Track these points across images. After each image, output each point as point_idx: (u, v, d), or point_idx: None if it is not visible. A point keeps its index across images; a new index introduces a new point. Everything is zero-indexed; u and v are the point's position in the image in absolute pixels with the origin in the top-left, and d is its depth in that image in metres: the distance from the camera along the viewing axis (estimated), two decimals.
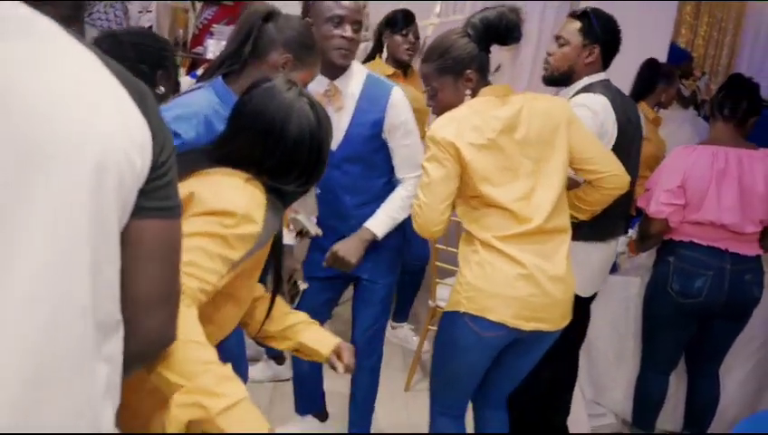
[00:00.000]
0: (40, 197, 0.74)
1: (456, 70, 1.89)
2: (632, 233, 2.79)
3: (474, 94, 1.91)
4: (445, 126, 1.84)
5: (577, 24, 2.31)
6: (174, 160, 0.91)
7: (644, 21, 3.92)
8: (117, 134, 0.81)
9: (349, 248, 2.14)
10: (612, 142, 2.27)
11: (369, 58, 3.62)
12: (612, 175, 1.97)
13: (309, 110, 1.36)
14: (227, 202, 1.24)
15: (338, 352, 1.56)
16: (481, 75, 1.92)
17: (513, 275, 1.83)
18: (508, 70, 4.98)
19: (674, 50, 4.78)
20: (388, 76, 3.29)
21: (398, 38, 3.40)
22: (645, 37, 3.80)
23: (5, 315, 0.73)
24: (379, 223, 2.19)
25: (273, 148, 1.33)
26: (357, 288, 2.38)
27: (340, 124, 2.11)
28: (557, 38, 2.34)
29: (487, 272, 1.85)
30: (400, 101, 2.17)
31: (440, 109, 1.93)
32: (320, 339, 1.57)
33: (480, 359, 1.95)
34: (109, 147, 0.79)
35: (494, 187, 1.84)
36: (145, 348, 0.93)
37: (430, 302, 3.16)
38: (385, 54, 3.49)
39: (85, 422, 0.81)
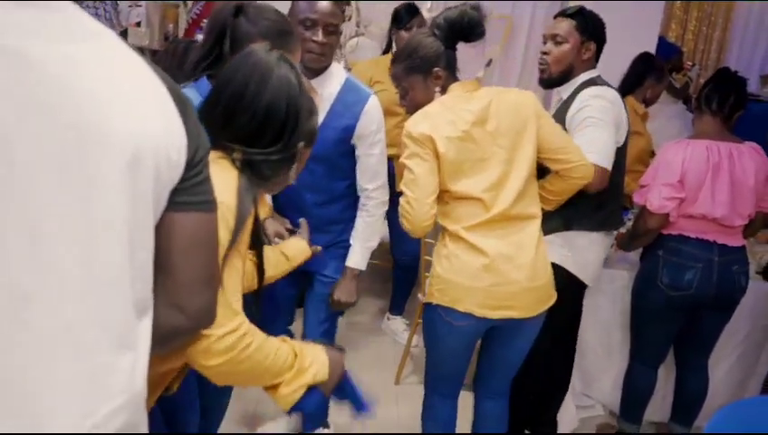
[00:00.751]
0: (85, 177, 0.81)
1: (425, 68, 1.94)
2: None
3: (443, 91, 1.96)
4: (420, 122, 1.88)
5: (572, 23, 2.34)
6: (208, 161, 1.01)
7: (632, 16, 3.95)
8: (156, 131, 0.88)
9: (345, 292, 2.22)
10: (626, 134, 2.32)
11: (384, 54, 3.69)
12: (580, 165, 2.02)
13: (289, 72, 1.32)
14: None
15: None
16: (449, 72, 1.97)
17: (477, 267, 1.90)
18: (499, 66, 5.01)
19: (663, 44, 4.80)
20: None
21: (404, 33, 3.42)
22: (633, 32, 3.83)
23: (46, 284, 0.80)
24: (360, 258, 2.26)
25: (248, 105, 1.29)
26: (312, 284, 2.35)
27: None
28: (553, 37, 2.36)
29: (454, 265, 1.92)
30: (375, 110, 2.17)
31: (412, 108, 1.98)
32: (299, 251, 1.81)
33: (458, 346, 2.03)
34: (148, 141, 0.86)
35: (467, 178, 1.90)
36: (194, 325, 1.06)
37: (420, 296, 3.16)
38: (395, 50, 3.52)
39: (130, 393, 0.90)
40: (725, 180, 2.41)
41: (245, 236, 1.32)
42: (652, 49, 4.04)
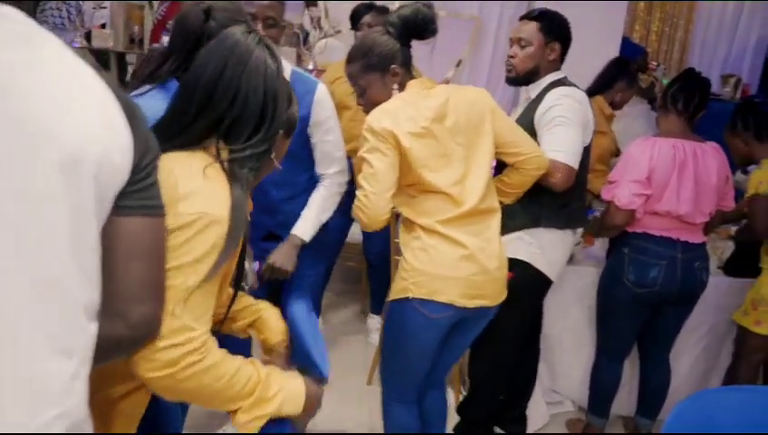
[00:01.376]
0: (25, 180, 0.82)
1: (382, 66, 1.95)
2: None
3: (401, 88, 1.97)
4: (381, 118, 1.88)
5: (535, 25, 2.37)
6: (157, 165, 0.99)
7: (596, 17, 4.01)
8: (98, 134, 0.87)
9: (283, 257, 2.19)
10: (592, 133, 2.36)
11: None
12: (535, 156, 2.10)
13: (267, 56, 1.26)
14: (186, 216, 1.13)
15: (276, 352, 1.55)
16: (405, 69, 1.98)
17: (457, 257, 1.91)
18: (468, 66, 5.06)
19: (628, 45, 4.89)
20: None
21: (360, 34, 3.41)
22: (598, 33, 3.90)
23: None
24: (306, 228, 2.26)
25: (225, 89, 1.23)
26: (284, 282, 2.34)
27: None
28: (518, 40, 2.39)
29: (431, 256, 1.92)
30: (325, 98, 2.22)
31: (370, 106, 1.98)
32: (275, 325, 1.57)
33: (431, 341, 2.01)
34: (89, 144, 0.86)
35: (432, 172, 1.91)
36: (135, 335, 1.00)
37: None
38: None
39: (61, 405, 0.87)
40: (690, 178, 2.46)
41: (233, 259, 1.24)
42: (616, 49, 4.11)
